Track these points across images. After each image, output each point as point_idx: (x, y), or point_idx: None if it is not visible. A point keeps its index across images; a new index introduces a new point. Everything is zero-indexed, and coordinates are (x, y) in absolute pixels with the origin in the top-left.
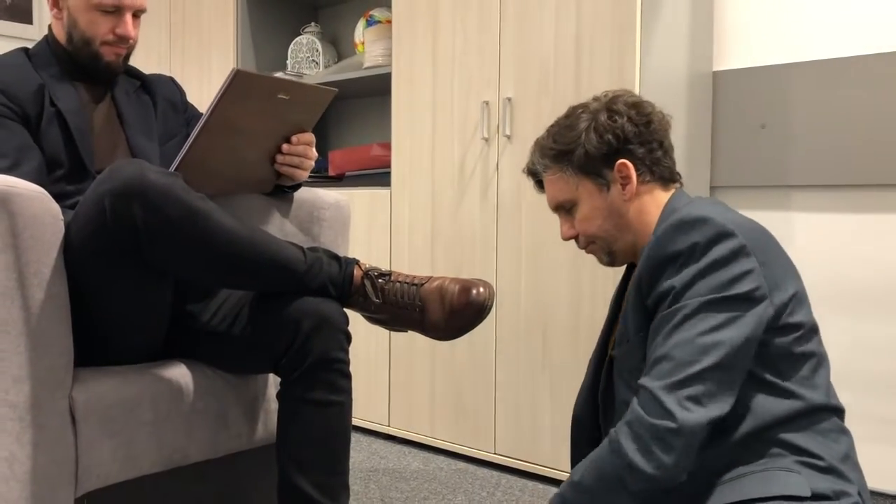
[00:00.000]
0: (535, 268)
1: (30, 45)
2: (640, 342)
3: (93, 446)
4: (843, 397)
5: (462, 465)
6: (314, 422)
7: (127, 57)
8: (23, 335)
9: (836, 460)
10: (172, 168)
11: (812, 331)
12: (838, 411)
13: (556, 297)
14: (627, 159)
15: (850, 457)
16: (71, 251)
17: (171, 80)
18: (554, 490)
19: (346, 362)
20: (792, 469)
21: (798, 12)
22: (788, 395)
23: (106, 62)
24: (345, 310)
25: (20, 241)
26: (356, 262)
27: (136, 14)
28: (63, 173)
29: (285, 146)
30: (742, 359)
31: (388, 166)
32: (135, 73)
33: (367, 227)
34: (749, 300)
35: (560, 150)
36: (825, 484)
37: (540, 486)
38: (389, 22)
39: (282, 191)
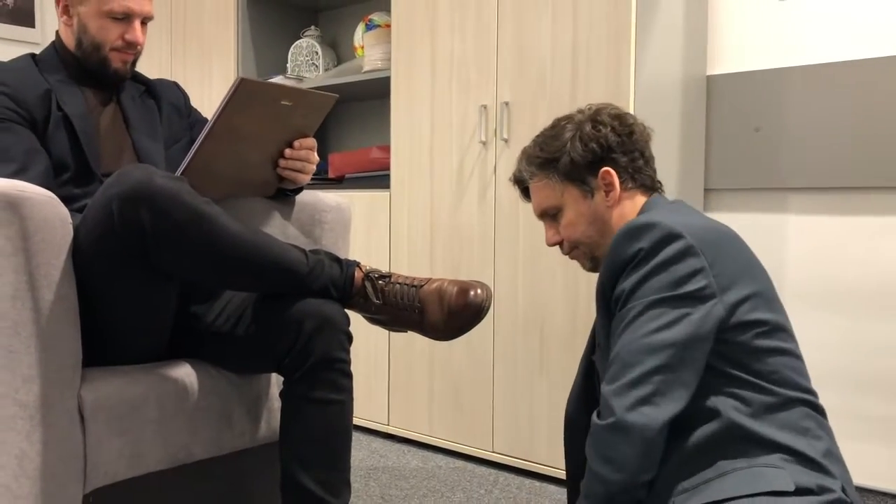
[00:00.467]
0: (533, 269)
1: (32, 48)
2: (606, 345)
3: (100, 444)
4: (835, 396)
5: (460, 463)
6: (316, 420)
7: (133, 63)
8: (33, 336)
9: (818, 455)
10: (178, 172)
11: (778, 328)
12: (815, 406)
13: (552, 298)
14: (611, 167)
15: (831, 452)
16: (79, 254)
17: (175, 84)
18: (551, 487)
19: (348, 362)
20: (776, 465)
21: (791, 18)
22: (756, 388)
23: (114, 68)
24: (346, 311)
25: (30, 245)
26: (357, 264)
27: (144, 21)
28: (70, 176)
29: (288, 151)
30: (691, 356)
31: (388, 169)
32: (140, 78)
33: (367, 229)
34: (695, 298)
35: (546, 158)
36: (808, 479)
37: (537, 483)
38: (389, 26)
39: (284, 194)
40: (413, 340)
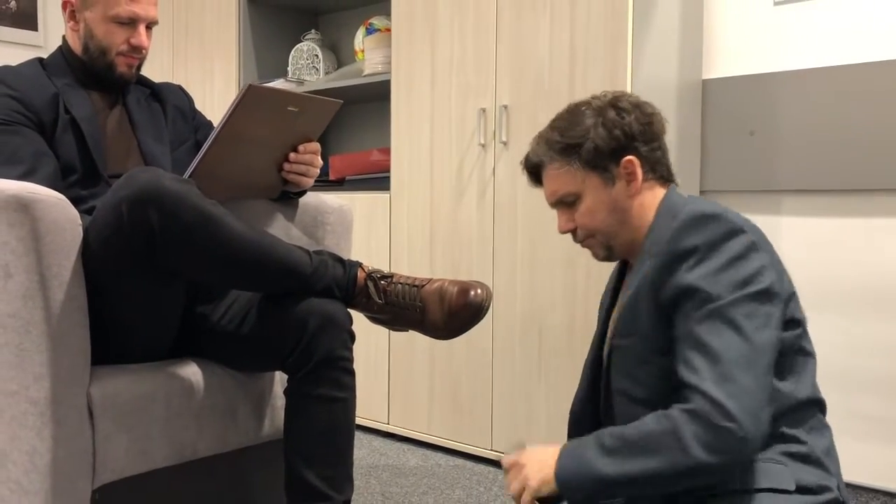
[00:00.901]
0: (531, 269)
1: (35, 52)
2: (651, 336)
3: (109, 440)
4: (832, 396)
5: (460, 461)
6: (320, 417)
7: (139, 67)
8: (44, 334)
9: (821, 454)
10: (186, 175)
11: (805, 328)
12: (822, 405)
13: (551, 298)
14: (633, 156)
15: (831, 450)
16: (89, 254)
17: (180, 88)
18: None
19: (351, 360)
20: (778, 460)
21: (785, 23)
22: (783, 392)
23: (120, 72)
24: (348, 310)
25: (41, 246)
26: (359, 264)
27: (149, 26)
28: (77, 178)
29: (292, 155)
30: (775, 356)
31: (388, 171)
32: (145, 82)
33: (367, 230)
34: (771, 295)
35: (568, 144)
36: (810, 477)
37: None
38: (389, 30)
39: (287, 196)
40: (413, 340)
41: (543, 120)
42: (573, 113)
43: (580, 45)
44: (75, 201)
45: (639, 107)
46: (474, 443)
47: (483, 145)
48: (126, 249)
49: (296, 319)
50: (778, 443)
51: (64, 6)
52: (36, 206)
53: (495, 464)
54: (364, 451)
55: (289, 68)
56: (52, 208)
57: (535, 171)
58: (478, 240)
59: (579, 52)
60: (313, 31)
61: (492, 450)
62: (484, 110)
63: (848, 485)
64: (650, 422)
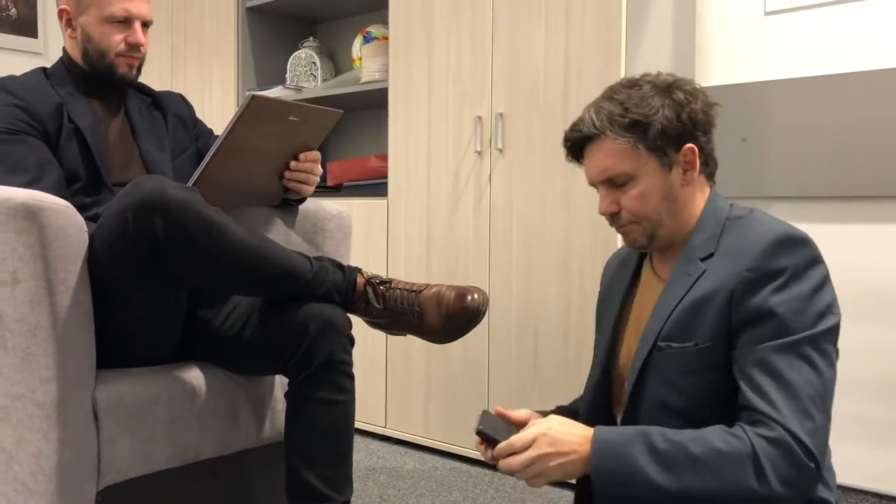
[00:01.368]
0: (526, 274)
1: (35, 59)
2: (710, 347)
3: (114, 442)
4: None
5: (456, 464)
6: (320, 419)
7: (139, 68)
8: (50, 339)
9: (824, 468)
10: (190, 183)
11: None
12: None
13: (546, 303)
14: (694, 145)
15: (830, 466)
16: (94, 260)
17: (181, 96)
18: (545, 487)
19: (350, 364)
20: None
21: (775, 33)
22: None
23: (121, 73)
24: (348, 315)
25: (49, 252)
26: (359, 270)
27: (145, 24)
28: (81, 186)
29: (293, 163)
30: None
31: (385, 177)
32: (146, 90)
33: (365, 235)
34: (838, 331)
35: (635, 120)
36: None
37: None
38: (386, 38)
39: (288, 203)
40: (410, 345)
41: (538, 127)
42: (634, 87)
43: (574, 54)
44: (79, 208)
45: (702, 93)
46: (471, 446)
47: (479, 152)
48: (131, 255)
49: (297, 324)
50: None
51: (60, 15)
52: (43, 214)
53: (491, 466)
54: (362, 454)
55: (287, 75)
56: (59, 215)
57: (580, 144)
58: (474, 245)
59: (574, 62)
60: (311, 38)
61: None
62: (480, 118)
63: (841, 487)
64: (716, 439)
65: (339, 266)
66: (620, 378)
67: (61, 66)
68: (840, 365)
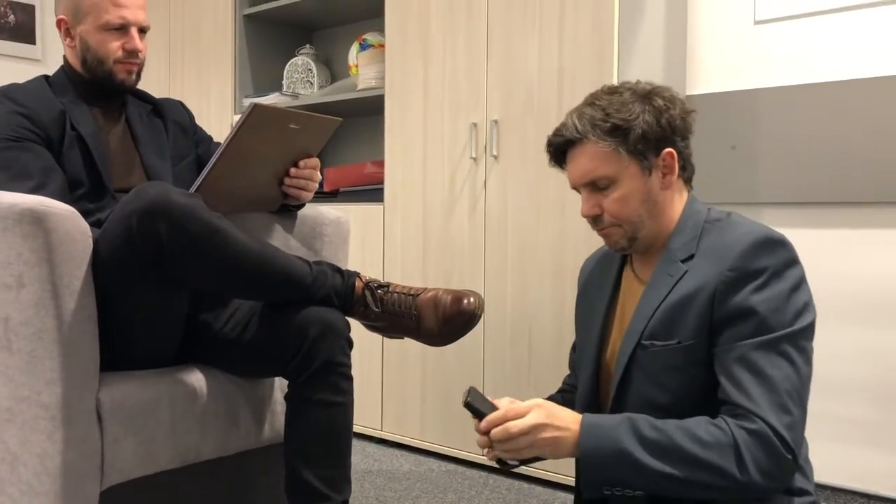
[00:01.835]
0: (521, 278)
1: (33, 65)
2: (693, 344)
3: (117, 443)
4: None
5: (452, 466)
6: (319, 420)
7: (138, 74)
8: (55, 341)
9: (801, 460)
10: (193, 189)
11: None
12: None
13: (540, 306)
14: (673, 149)
15: (808, 458)
16: (98, 265)
17: (181, 103)
18: (538, 488)
19: (349, 366)
20: None
21: (765, 41)
22: None
23: (120, 80)
24: (346, 318)
25: (54, 256)
26: (357, 274)
27: (142, 30)
28: (83, 192)
29: (293, 170)
30: None
31: (382, 183)
32: (146, 98)
33: (362, 241)
34: (813, 329)
35: (616, 125)
36: (793, 482)
37: (525, 484)
38: (382, 46)
39: (287, 209)
40: (405, 348)
41: (533, 134)
42: (615, 94)
43: (568, 62)
44: (82, 214)
45: (680, 101)
46: (466, 448)
47: (474, 158)
48: (135, 260)
49: (297, 327)
50: None
51: (59, 25)
52: (49, 219)
53: (486, 468)
54: (358, 456)
55: (283, 82)
56: (65, 221)
57: (563, 148)
58: (469, 250)
59: (567, 70)
60: (308, 45)
61: (483, 455)
62: (475, 125)
63: (828, 487)
64: (699, 428)
65: (338, 270)
66: (607, 376)
67: (62, 74)
68: (830, 368)
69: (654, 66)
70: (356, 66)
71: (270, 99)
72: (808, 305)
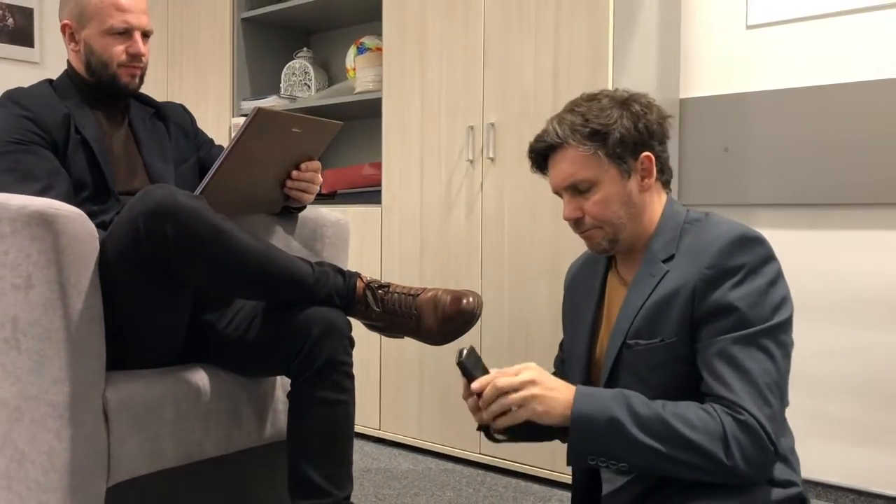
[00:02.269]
0: (517, 279)
1: (31, 68)
2: (675, 341)
3: (123, 441)
4: (801, 399)
5: (449, 464)
6: (322, 418)
7: (141, 78)
8: (63, 341)
9: (787, 452)
10: (198, 191)
11: None
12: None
13: (536, 307)
14: (651, 153)
15: (794, 450)
16: (105, 266)
17: (182, 107)
18: (535, 486)
19: (350, 365)
20: None
21: (757, 46)
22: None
23: (124, 83)
24: (348, 318)
25: (62, 258)
26: (358, 275)
27: (145, 35)
28: (88, 195)
29: (295, 172)
30: None
31: (379, 185)
32: (149, 102)
33: (360, 242)
34: (791, 323)
35: (596, 130)
36: (779, 473)
37: (522, 482)
38: (380, 50)
39: (288, 211)
40: (403, 349)
41: (529, 137)
42: (593, 100)
43: (563, 66)
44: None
45: (656, 107)
46: (463, 447)
47: (471, 161)
48: (142, 261)
49: (299, 326)
50: None
51: (63, 30)
52: (58, 221)
53: (483, 466)
54: (357, 455)
55: (281, 85)
56: (73, 223)
57: (544, 154)
58: (466, 252)
59: (563, 74)
60: (305, 49)
61: (480, 453)
62: (472, 128)
63: (818, 484)
64: (689, 411)
65: (340, 271)
66: (596, 375)
67: (66, 78)
68: (819, 367)
69: (648, 70)
70: (354, 69)
71: (268, 102)
72: (785, 300)
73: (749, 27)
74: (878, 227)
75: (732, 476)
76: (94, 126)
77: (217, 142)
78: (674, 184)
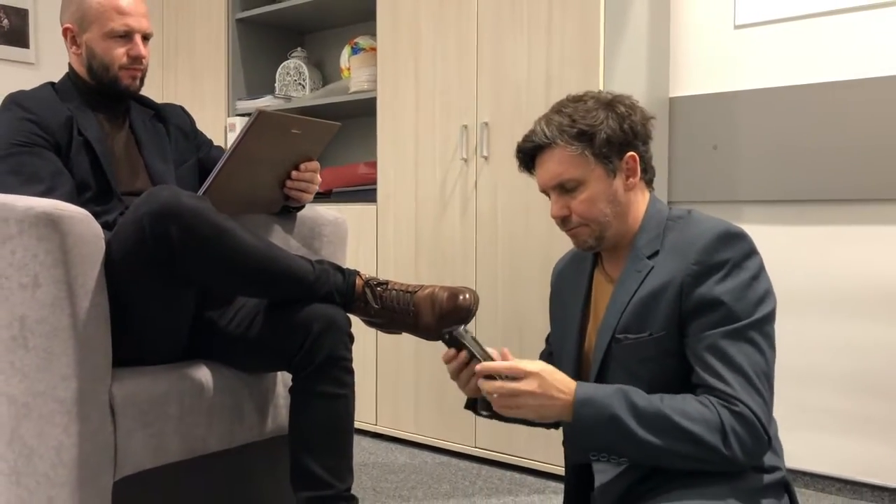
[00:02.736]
0: (511, 276)
1: (26, 69)
2: (663, 336)
3: (129, 436)
4: (788, 391)
5: (445, 458)
6: (323, 412)
7: (142, 80)
8: (70, 339)
9: (772, 437)
10: (201, 192)
11: None
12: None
13: (530, 304)
14: (636, 153)
15: (777, 436)
16: (111, 265)
17: (182, 109)
18: (530, 478)
19: (350, 360)
20: None
21: (745, 45)
22: None
23: (125, 85)
24: (347, 314)
25: (69, 258)
26: (357, 272)
27: (146, 37)
28: (91, 196)
29: (294, 173)
30: None
31: (374, 183)
32: (149, 103)
33: (356, 240)
34: (774, 315)
35: (582, 130)
36: (764, 459)
37: (517, 475)
38: (374, 50)
39: (287, 211)
40: (399, 344)
41: (521, 136)
42: (579, 102)
43: (555, 66)
44: None
45: (640, 108)
46: (459, 441)
47: (465, 160)
48: (147, 260)
49: (300, 323)
50: None
51: (65, 34)
52: (64, 222)
53: (479, 460)
54: (354, 450)
55: (276, 85)
56: (79, 224)
57: (532, 153)
58: (461, 249)
59: (554, 73)
60: (299, 49)
61: (476, 447)
62: (466, 127)
63: (806, 473)
64: (687, 404)
65: (339, 269)
66: (586, 370)
67: (68, 81)
68: (808, 360)
69: (638, 69)
70: (348, 69)
71: (263, 102)
72: (768, 292)
73: (737, 27)
74: (864, 222)
75: (730, 464)
76: (96, 128)
77: (214, 142)
78: (663, 181)
